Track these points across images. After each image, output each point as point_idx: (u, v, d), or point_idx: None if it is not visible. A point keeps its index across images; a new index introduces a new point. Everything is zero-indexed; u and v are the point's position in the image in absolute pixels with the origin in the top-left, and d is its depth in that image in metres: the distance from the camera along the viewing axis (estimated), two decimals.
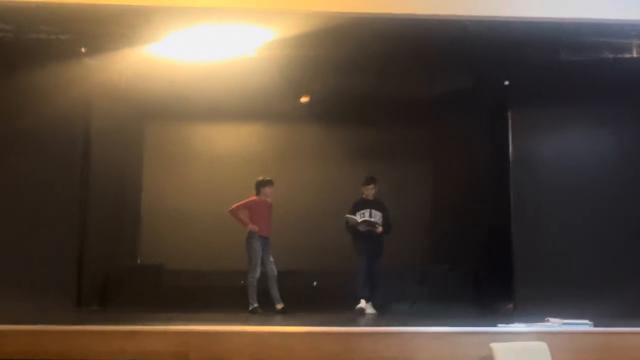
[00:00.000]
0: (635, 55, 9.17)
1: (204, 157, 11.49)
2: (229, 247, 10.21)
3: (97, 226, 9.48)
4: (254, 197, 9.15)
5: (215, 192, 11.08)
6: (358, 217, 9.02)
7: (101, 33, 8.74)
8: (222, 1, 7.38)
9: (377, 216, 9.13)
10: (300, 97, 10.79)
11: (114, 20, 8.43)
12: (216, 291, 9.88)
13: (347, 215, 9.10)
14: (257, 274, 8.85)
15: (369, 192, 9.27)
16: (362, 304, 8.79)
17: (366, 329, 6.78)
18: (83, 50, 9.04)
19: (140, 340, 6.20)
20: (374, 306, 8.93)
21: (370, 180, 9.33)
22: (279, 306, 8.87)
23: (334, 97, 10.60)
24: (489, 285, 9.92)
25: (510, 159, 9.27)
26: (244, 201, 9.12)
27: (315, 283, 10.77)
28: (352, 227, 9.09)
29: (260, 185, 9.15)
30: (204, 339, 6.23)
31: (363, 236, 9.04)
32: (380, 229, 9.04)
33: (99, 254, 9.62)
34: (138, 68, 9.61)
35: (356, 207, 9.17)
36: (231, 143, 11.75)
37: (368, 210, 9.13)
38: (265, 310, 8.75)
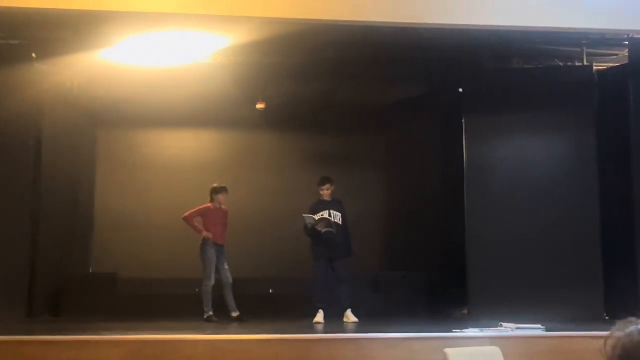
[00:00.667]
0: (585, 63, 9.36)
1: (157, 164, 11.37)
2: (183, 255, 10.12)
3: (48, 235, 9.31)
4: (209, 205, 9.08)
5: (169, 200, 10.97)
6: (316, 218, 8.76)
7: (52, 38, 8.63)
8: (175, 7, 7.31)
9: (337, 217, 8.84)
10: (255, 103, 10.76)
11: (65, 25, 8.32)
12: (171, 300, 9.78)
13: (304, 215, 8.78)
14: (212, 281, 8.78)
15: (325, 192, 8.93)
16: (319, 317, 8.51)
17: (322, 335, 6.78)
18: (34, 55, 8.90)
19: (93, 350, 6.12)
20: (354, 314, 8.61)
21: (325, 180, 8.99)
22: (235, 314, 8.82)
23: (290, 103, 10.61)
24: (444, 291, 9.99)
25: (465, 165, 9.36)
26: (197, 208, 9.05)
27: (271, 290, 10.73)
28: (311, 230, 8.73)
29: (214, 192, 9.09)
30: (158, 348, 6.16)
31: (322, 239, 8.69)
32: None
33: (51, 263, 9.46)
34: (90, 74, 9.50)
35: (314, 210, 8.85)
36: (186, 150, 11.66)
37: (327, 211, 8.81)
38: (221, 318, 8.69)
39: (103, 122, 11.21)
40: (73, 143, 10.39)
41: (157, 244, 10.70)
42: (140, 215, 10.94)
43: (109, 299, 9.71)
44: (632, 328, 1.68)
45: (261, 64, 9.46)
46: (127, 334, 6.47)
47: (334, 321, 8.42)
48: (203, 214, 9.04)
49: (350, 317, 8.57)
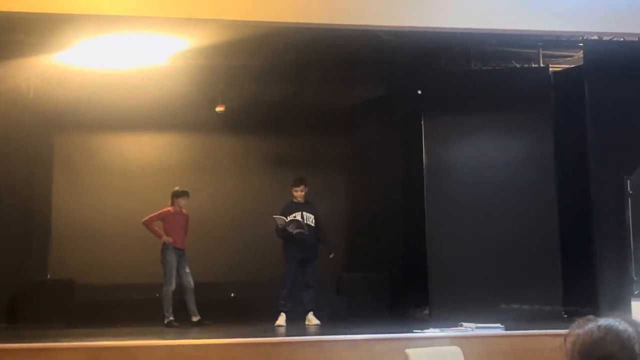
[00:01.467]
0: (541, 64, 9.49)
1: (116, 169, 11.22)
2: (143, 259, 10.00)
3: (4, 241, 9.16)
4: (169, 208, 9.00)
5: (127, 205, 10.83)
6: (286, 219, 8.60)
7: (6, 41, 8.48)
8: (133, 10, 7.23)
9: (309, 219, 8.68)
10: (215, 106, 10.69)
11: (19, 28, 8.19)
12: (130, 305, 9.66)
13: (275, 216, 8.58)
14: (172, 286, 8.70)
15: (299, 194, 8.73)
16: (281, 319, 8.41)
17: (284, 338, 6.76)
18: None
19: (51, 357, 6.03)
20: (317, 316, 8.57)
21: (299, 182, 8.77)
22: (195, 318, 8.75)
23: (250, 106, 10.55)
24: (405, 291, 10.03)
25: (424, 166, 9.41)
26: (157, 212, 8.97)
27: (232, 294, 10.67)
28: (283, 231, 8.54)
29: (174, 196, 9.01)
30: (117, 354, 6.10)
31: (294, 241, 8.52)
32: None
33: (7, 270, 9.29)
34: (46, 77, 9.36)
35: (285, 211, 8.67)
36: (145, 154, 11.52)
37: (299, 212, 8.65)
38: (182, 323, 8.61)
39: (60, 126, 11.02)
40: (29, 148, 10.22)
41: (116, 250, 10.56)
42: (98, 221, 10.78)
43: (66, 306, 9.57)
44: (591, 325, 1.69)
45: (220, 66, 9.41)
46: (85, 341, 6.39)
47: (296, 324, 8.39)
48: (163, 218, 8.96)
49: (312, 319, 8.53)
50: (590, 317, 1.74)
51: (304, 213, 8.67)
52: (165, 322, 8.55)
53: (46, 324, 8.56)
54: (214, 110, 10.68)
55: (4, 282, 9.19)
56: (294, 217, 8.60)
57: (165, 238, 8.81)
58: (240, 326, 8.18)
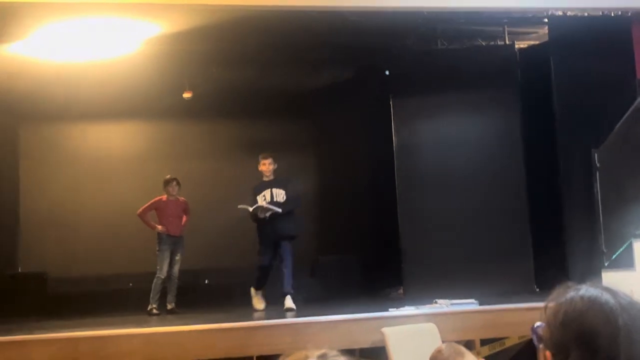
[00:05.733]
0: (507, 41, 9.54)
1: (83, 159, 11.12)
2: (115, 249, 9.97)
3: None
4: (161, 197, 8.99)
5: (96, 194, 10.77)
6: (259, 201, 8.14)
7: None
8: None
9: (280, 195, 8.23)
10: (182, 92, 10.61)
11: None
12: (103, 296, 9.61)
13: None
14: (162, 274, 8.68)
15: (266, 168, 8.24)
16: (257, 302, 8.33)
17: (258, 322, 6.76)
18: None
19: (27, 350, 5.98)
20: (292, 299, 7.98)
21: (266, 155, 8.32)
22: (169, 306, 8.72)
23: (217, 91, 10.50)
24: (379, 272, 10.08)
25: (394, 146, 9.43)
26: (150, 202, 8.95)
27: (207, 281, 10.65)
28: (253, 216, 8.15)
29: (163, 184, 9.00)
30: (93, 344, 6.06)
31: (266, 222, 8.12)
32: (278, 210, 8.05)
33: None
34: (9, 68, 9.19)
35: (256, 191, 8.25)
36: (112, 143, 11.43)
37: (268, 190, 8.22)
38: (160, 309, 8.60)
39: (25, 116, 10.90)
40: None
41: (87, 240, 10.49)
42: (67, 211, 10.69)
43: (39, 299, 9.50)
44: (572, 294, 1.60)
45: (186, 51, 9.32)
46: (61, 332, 6.33)
47: (271, 307, 8.36)
48: (156, 207, 8.94)
49: (288, 303, 7.97)
50: (570, 284, 1.67)
51: (273, 189, 8.24)
52: (148, 308, 8.52)
53: (19, 318, 8.46)
54: (182, 96, 10.60)
55: None
56: (264, 196, 8.18)
57: (158, 228, 8.78)
58: (214, 313, 8.15)
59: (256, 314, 8.03)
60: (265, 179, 8.33)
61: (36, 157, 10.96)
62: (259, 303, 8.34)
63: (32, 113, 10.72)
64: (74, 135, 11.33)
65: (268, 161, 8.27)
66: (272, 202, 8.15)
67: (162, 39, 8.83)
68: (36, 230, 10.68)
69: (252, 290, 8.44)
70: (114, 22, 8.28)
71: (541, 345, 1.63)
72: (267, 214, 8.08)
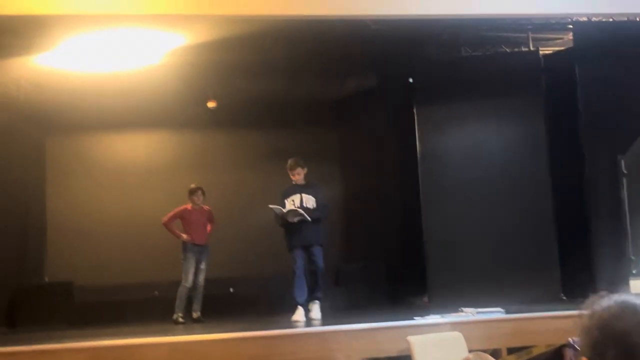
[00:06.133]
0: (531, 48, 9.49)
1: (109, 168, 11.21)
2: (140, 258, 10.03)
3: (0, 245, 9.12)
4: (186, 206, 9.04)
5: (122, 204, 10.85)
6: (288, 205, 7.95)
7: None
8: (122, 8, 7.18)
9: (310, 201, 8.00)
10: (206, 102, 10.67)
11: (8, 30, 8.12)
12: (129, 305, 9.67)
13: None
14: (187, 283, 8.73)
15: (297, 177, 8.07)
16: (298, 314, 7.74)
17: (284, 331, 6.75)
18: None
19: (54, 359, 6.01)
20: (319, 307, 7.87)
21: (295, 165, 8.10)
22: (195, 315, 8.76)
23: (241, 101, 10.55)
24: (404, 280, 10.05)
25: (418, 155, 9.42)
26: (174, 210, 9.01)
27: (231, 289, 10.68)
28: (282, 219, 7.92)
29: (189, 194, 9.06)
30: (120, 352, 6.09)
31: (295, 227, 7.88)
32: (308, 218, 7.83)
33: (5, 274, 9.27)
34: (37, 78, 9.33)
35: (285, 195, 8.03)
36: (138, 153, 11.52)
37: (298, 195, 7.99)
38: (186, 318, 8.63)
39: (51, 127, 11.01)
40: (21, 150, 10.18)
41: (113, 249, 10.56)
42: (93, 221, 10.77)
43: (65, 308, 9.57)
44: (607, 301, 1.72)
45: (210, 62, 9.37)
46: (87, 341, 6.37)
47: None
48: (181, 215, 9.00)
49: (315, 312, 7.89)
50: (603, 293, 1.77)
51: (304, 195, 8.01)
52: (173, 317, 8.56)
53: (46, 327, 8.55)
54: (206, 106, 10.67)
55: (1, 287, 9.16)
56: (292, 201, 7.98)
57: (183, 237, 8.82)
58: (240, 321, 8.16)
59: (298, 324, 7.57)
60: (295, 183, 8.14)
61: (62, 167, 11.07)
62: (299, 315, 7.81)
63: (59, 124, 10.84)
64: (99, 146, 11.44)
65: (297, 171, 8.11)
66: (301, 207, 7.96)
67: (187, 49, 8.89)
68: (63, 240, 10.77)
69: (300, 307, 7.86)
70: (139, 34, 8.35)
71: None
72: (296, 219, 7.87)
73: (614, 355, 1.62)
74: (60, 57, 8.74)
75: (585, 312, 1.73)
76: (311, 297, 7.94)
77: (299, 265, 7.91)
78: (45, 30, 7.99)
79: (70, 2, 6.91)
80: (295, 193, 8.04)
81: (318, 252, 7.96)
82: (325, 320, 7.43)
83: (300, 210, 7.86)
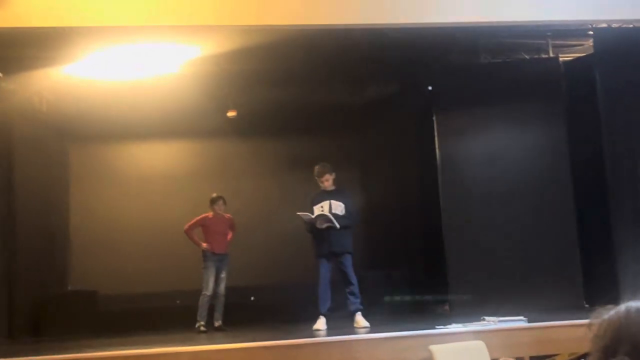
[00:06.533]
0: (551, 54, 9.46)
1: (131, 178, 11.30)
2: (163, 267, 10.08)
3: (25, 255, 9.22)
4: (207, 214, 9.08)
5: (144, 213, 10.92)
6: (316, 211, 7.76)
7: (18, 57, 8.54)
8: (141, 20, 7.25)
9: (339, 208, 7.76)
10: (227, 111, 10.73)
11: (31, 43, 8.23)
12: (152, 313, 9.73)
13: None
14: (208, 291, 8.75)
15: (326, 183, 7.86)
16: (319, 323, 7.59)
17: (306, 340, 6.74)
18: (0, 75, 8.81)
19: None
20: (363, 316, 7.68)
21: (322, 172, 7.88)
22: (217, 324, 8.79)
23: (261, 109, 10.59)
24: (424, 288, 10.02)
25: (438, 162, 9.41)
26: (196, 218, 9.05)
27: (252, 298, 10.70)
28: (311, 226, 7.73)
29: (210, 202, 9.10)
30: None
31: (323, 235, 7.69)
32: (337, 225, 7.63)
33: (29, 283, 9.36)
34: (59, 89, 9.44)
35: (314, 201, 7.82)
36: (159, 162, 11.60)
37: (327, 202, 7.76)
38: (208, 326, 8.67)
39: (74, 137, 11.12)
40: (44, 160, 10.29)
41: (135, 258, 10.63)
42: (116, 230, 10.86)
43: (89, 316, 9.63)
44: (616, 309, 1.73)
45: (230, 71, 9.44)
46: (110, 350, 6.42)
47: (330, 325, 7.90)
48: (202, 223, 9.05)
49: (360, 321, 7.64)
50: (610, 306, 1.78)
51: (332, 202, 7.77)
52: (196, 325, 8.60)
53: (70, 336, 8.61)
54: (226, 115, 10.73)
55: (25, 296, 9.25)
56: (322, 207, 7.75)
57: (203, 246, 8.86)
58: (261, 330, 8.18)
59: (319, 333, 7.48)
60: (324, 188, 7.93)
61: (85, 177, 11.17)
62: (321, 324, 7.68)
63: (81, 134, 10.95)
64: (122, 155, 11.53)
65: (325, 178, 7.91)
66: (330, 213, 7.73)
67: (207, 59, 8.96)
68: (86, 249, 10.86)
69: (322, 317, 7.70)
70: (160, 45, 8.43)
71: None
72: (324, 225, 7.67)
73: (626, 352, 1.64)
74: (82, 68, 8.84)
75: (594, 322, 1.75)
76: (352, 309, 7.74)
77: (324, 274, 7.74)
78: (67, 42, 8.09)
79: (91, 15, 6.98)
80: (324, 200, 7.81)
81: (347, 261, 7.79)
82: (346, 329, 7.42)
83: (330, 215, 7.66)
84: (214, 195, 9.16)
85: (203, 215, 9.09)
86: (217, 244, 8.95)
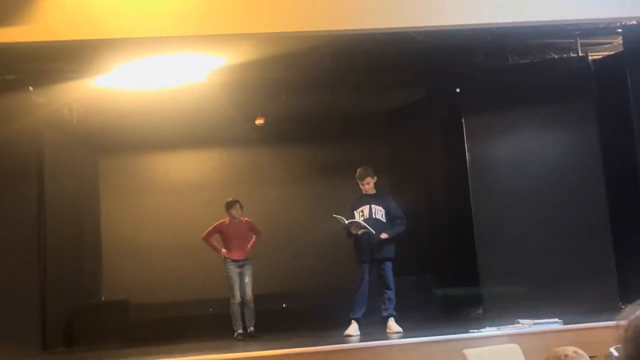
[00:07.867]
0: (580, 53, 9.36)
1: (161, 187, 11.37)
2: (194, 275, 10.10)
3: (57, 266, 9.29)
4: (224, 220, 9.02)
5: (175, 222, 10.97)
6: (357, 216, 7.71)
7: (48, 70, 8.65)
8: (168, 30, 7.30)
9: (379, 212, 7.74)
10: (254, 119, 10.75)
11: (60, 56, 8.34)
12: (184, 322, 9.76)
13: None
14: (236, 299, 8.69)
15: (367, 186, 7.76)
16: (352, 329, 7.57)
17: (339, 346, 6.73)
18: (31, 89, 8.92)
19: None
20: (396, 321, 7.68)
21: (364, 174, 7.77)
22: (249, 330, 8.77)
23: (289, 116, 10.60)
24: (457, 291, 9.93)
25: (468, 165, 9.34)
26: (213, 225, 9.00)
27: (284, 305, 10.69)
28: (347, 231, 7.68)
29: (226, 208, 9.03)
30: None
31: (365, 240, 7.64)
32: (385, 235, 7.62)
33: (62, 294, 9.43)
34: (88, 101, 9.53)
35: (354, 206, 7.74)
36: (189, 171, 11.66)
37: (367, 206, 7.70)
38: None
39: (104, 148, 11.22)
40: (75, 171, 10.38)
41: (167, 267, 10.68)
42: (147, 239, 10.93)
43: (122, 326, 9.69)
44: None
45: (257, 79, 9.46)
46: (144, 359, 6.45)
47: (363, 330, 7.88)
48: (219, 230, 8.98)
49: (392, 327, 7.64)
50: (638, 302, 1.73)
51: (373, 206, 7.71)
52: (234, 335, 8.56)
53: (103, 346, 8.68)
54: (254, 123, 10.75)
55: (59, 307, 9.32)
56: (362, 212, 7.70)
57: (222, 252, 8.83)
58: (293, 337, 8.17)
59: (352, 339, 7.48)
60: (365, 192, 7.84)
61: (115, 186, 11.25)
62: (353, 330, 7.65)
63: (111, 145, 11.04)
64: (151, 165, 11.61)
65: (366, 181, 7.81)
66: (370, 218, 7.70)
67: (234, 68, 8.98)
68: (117, 259, 10.93)
69: (354, 322, 7.67)
70: (187, 54, 8.48)
71: None
72: (360, 232, 7.63)
73: None
74: (111, 79, 8.92)
75: (621, 323, 1.71)
76: (385, 315, 7.71)
77: (365, 280, 7.67)
78: (95, 54, 8.18)
79: (119, 27, 7.05)
80: (364, 204, 7.74)
81: (387, 267, 7.74)
82: (379, 335, 7.38)
83: (363, 223, 7.59)
84: (230, 199, 9.07)
85: (219, 221, 9.01)
86: (235, 250, 8.85)
